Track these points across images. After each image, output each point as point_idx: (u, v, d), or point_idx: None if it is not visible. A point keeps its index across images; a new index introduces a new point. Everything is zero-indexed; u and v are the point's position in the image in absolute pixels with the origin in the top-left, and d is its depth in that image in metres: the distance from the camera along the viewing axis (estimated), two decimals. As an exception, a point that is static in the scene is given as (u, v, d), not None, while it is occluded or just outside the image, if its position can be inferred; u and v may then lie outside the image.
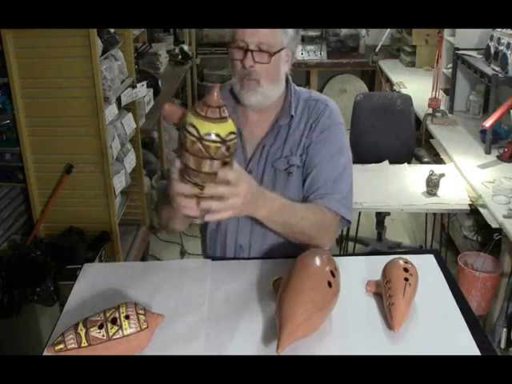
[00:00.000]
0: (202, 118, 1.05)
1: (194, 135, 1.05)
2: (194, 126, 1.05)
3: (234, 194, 1.14)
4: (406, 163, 3.06)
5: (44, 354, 1.13)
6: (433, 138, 3.40)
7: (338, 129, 1.53)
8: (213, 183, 1.09)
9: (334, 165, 1.49)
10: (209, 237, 1.61)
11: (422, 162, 3.31)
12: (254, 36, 1.40)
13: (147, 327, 1.12)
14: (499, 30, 3.16)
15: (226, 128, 1.06)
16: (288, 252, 1.47)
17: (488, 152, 3.00)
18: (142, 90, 3.18)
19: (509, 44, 2.98)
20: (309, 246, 1.39)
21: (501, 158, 2.93)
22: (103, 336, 1.08)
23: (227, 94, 1.52)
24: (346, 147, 1.54)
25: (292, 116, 1.53)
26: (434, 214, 3.22)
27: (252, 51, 1.41)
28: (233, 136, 1.08)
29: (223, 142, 1.06)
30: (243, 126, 1.52)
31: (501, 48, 3.04)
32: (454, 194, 2.64)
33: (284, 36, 1.43)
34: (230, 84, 1.51)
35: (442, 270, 1.41)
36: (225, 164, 1.09)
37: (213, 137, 1.05)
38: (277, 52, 1.42)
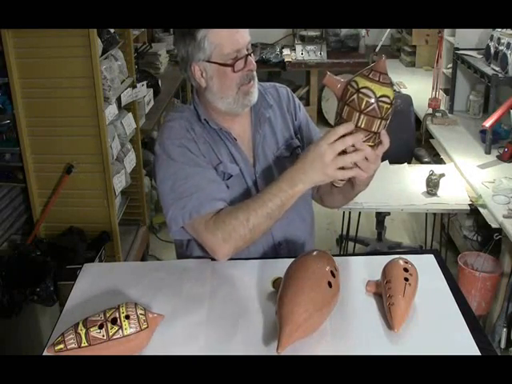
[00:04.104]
0: (377, 83, 1.20)
1: (370, 97, 1.19)
2: (371, 89, 1.19)
3: (379, 156, 1.27)
4: (405, 163, 3.05)
5: (44, 354, 1.12)
6: (433, 138, 3.40)
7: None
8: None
9: (317, 131, 1.67)
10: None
11: (422, 162, 3.31)
12: (245, 37, 1.43)
13: (147, 327, 1.12)
14: (499, 30, 3.16)
15: (393, 92, 1.23)
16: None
17: (488, 152, 3.00)
18: (142, 90, 3.18)
19: (509, 44, 2.98)
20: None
21: (501, 157, 2.93)
22: (103, 336, 1.08)
23: (199, 125, 1.52)
24: None
25: (271, 105, 1.58)
26: (434, 214, 3.22)
27: (249, 54, 1.43)
28: (394, 100, 1.23)
29: (391, 104, 1.22)
30: (235, 135, 1.53)
31: (501, 48, 3.04)
32: (454, 194, 2.64)
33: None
34: (188, 115, 1.53)
35: (442, 270, 1.41)
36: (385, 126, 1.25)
37: (386, 99, 1.20)
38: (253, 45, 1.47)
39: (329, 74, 1.28)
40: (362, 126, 1.22)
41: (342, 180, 1.34)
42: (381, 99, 1.19)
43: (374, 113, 1.20)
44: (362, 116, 1.21)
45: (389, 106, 1.21)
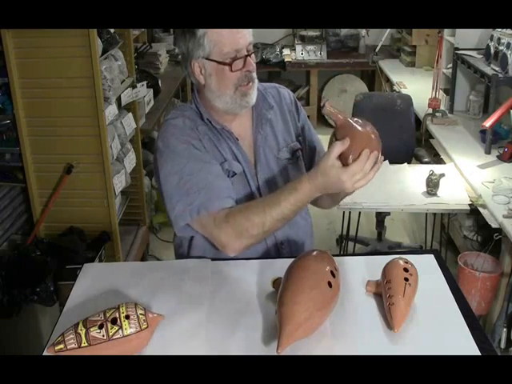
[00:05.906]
0: None
1: None
2: None
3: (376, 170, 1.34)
4: (405, 163, 3.05)
5: (44, 354, 1.13)
6: (433, 137, 3.40)
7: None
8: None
9: (315, 133, 1.70)
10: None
11: (422, 162, 3.31)
12: (246, 38, 1.42)
13: (147, 327, 1.12)
14: (499, 30, 3.16)
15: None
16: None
17: (488, 152, 3.00)
18: (142, 90, 3.18)
19: (509, 44, 2.98)
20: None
21: (501, 157, 2.93)
22: (103, 336, 1.08)
23: (202, 123, 1.52)
24: None
25: (272, 106, 1.58)
26: (434, 214, 3.22)
27: (249, 54, 1.43)
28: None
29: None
30: (236, 135, 1.53)
31: (501, 48, 3.04)
32: (454, 194, 2.64)
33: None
34: (188, 112, 1.53)
35: (442, 269, 1.41)
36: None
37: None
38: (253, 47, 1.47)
39: (328, 104, 1.33)
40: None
41: None
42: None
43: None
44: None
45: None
